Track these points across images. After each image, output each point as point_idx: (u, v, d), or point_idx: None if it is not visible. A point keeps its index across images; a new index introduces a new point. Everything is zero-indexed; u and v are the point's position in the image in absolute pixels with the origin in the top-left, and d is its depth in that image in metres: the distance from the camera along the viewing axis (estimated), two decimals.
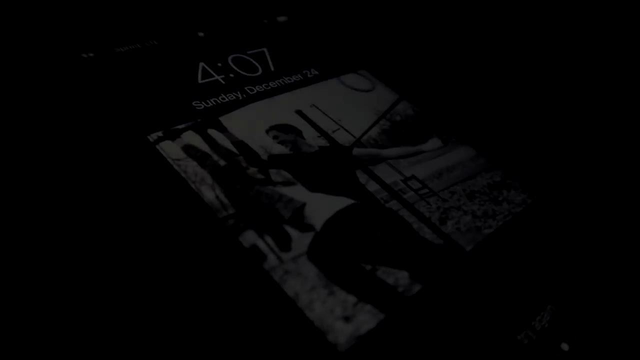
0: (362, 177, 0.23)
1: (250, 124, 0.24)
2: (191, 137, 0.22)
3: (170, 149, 0.21)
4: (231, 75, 0.27)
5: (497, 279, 0.19)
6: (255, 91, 0.26)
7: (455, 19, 0.37)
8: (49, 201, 0.19)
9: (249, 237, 0.19)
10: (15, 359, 0.15)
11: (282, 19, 0.33)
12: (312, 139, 0.24)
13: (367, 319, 0.17)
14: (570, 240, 0.22)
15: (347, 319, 0.17)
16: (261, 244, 0.19)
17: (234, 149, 0.22)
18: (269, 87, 0.27)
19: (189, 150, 0.22)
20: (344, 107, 0.27)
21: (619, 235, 0.22)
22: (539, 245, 0.21)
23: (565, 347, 0.18)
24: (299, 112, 0.25)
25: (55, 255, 0.18)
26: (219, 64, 0.27)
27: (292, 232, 0.19)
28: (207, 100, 0.25)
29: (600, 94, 0.32)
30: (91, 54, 0.25)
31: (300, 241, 0.19)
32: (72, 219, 0.19)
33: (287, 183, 0.21)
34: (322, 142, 0.24)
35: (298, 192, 0.21)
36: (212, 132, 0.23)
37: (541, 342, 0.18)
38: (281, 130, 0.24)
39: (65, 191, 0.19)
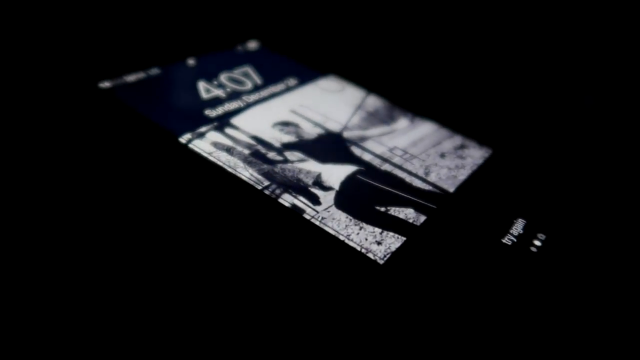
0: (356, 151, 0.28)
1: (257, 123, 0.29)
2: (214, 136, 0.27)
3: (202, 146, 0.26)
4: (228, 89, 0.32)
5: (476, 206, 0.25)
6: (252, 99, 0.31)
7: (397, 20, 0.45)
8: (119, 196, 0.23)
9: (287, 199, 0.23)
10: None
11: (253, 44, 0.39)
12: (310, 129, 0.29)
13: (393, 241, 0.22)
14: (523, 174, 0.28)
15: (379, 243, 0.22)
16: (298, 202, 0.23)
17: (252, 141, 0.27)
18: (262, 96, 0.32)
19: (217, 145, 0.26)
20: (326, 104, 0.32)
21: (558, 164, 0.29)
22: (502, 181, 0.27)
23: (537, 242, 0.23)
24: (293, 111, 0.31)
25: (131, 236, 0.22)
26: (215, 82, 0.32)
27: (318, 192, 0.24)
28: (216, 109, 0.29)
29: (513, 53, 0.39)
30: (107, 84, 0.29)
31: (326, 198, 0.24)
32: (142, 208, 0.23)
33: (301, 160, 0.26)
34: (319, 130, 0.29)
35: (312, 165, 0.26)
36: (229, 130, 0.27)
37: (519, 242, 0.23)
38: (284, 125, 0.29)
39: (130, 186, 0.23)
